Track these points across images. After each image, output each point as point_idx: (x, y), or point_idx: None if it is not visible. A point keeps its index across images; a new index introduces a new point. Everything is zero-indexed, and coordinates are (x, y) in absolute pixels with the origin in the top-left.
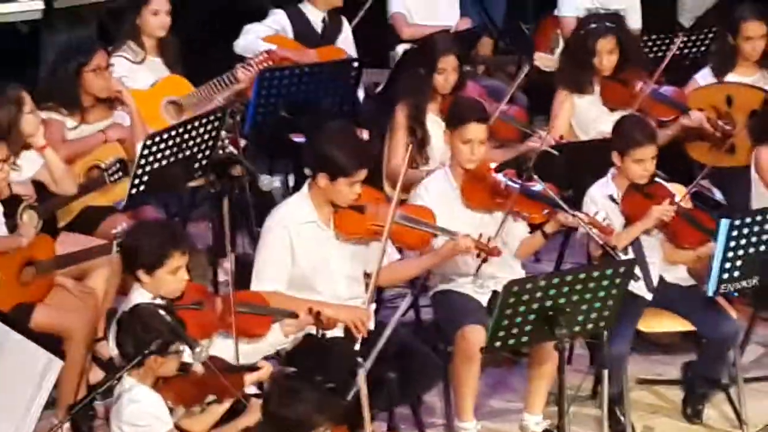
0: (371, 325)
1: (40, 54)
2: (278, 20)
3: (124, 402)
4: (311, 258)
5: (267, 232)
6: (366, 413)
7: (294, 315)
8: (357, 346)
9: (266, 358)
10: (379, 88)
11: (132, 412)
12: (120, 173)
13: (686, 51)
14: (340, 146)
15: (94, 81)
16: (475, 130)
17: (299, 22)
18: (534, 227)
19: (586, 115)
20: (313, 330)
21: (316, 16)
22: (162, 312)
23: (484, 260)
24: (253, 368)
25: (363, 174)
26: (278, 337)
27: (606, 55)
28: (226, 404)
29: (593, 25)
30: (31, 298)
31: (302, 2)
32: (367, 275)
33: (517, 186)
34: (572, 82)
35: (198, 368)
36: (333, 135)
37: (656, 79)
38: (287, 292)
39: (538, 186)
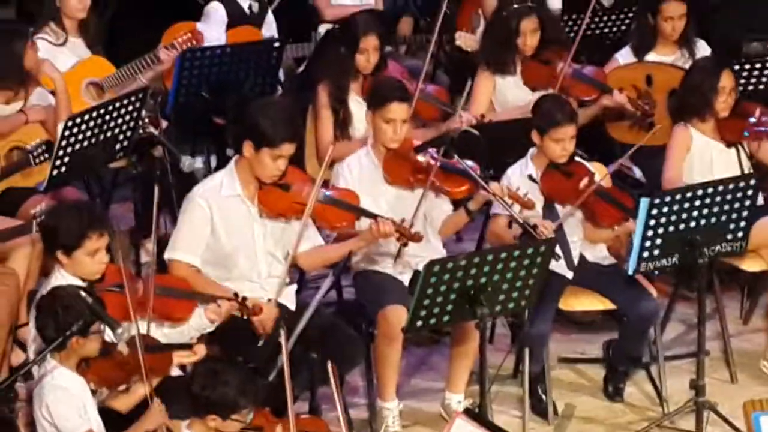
0: (292, 306)
1: None
2: (219, 17)
3: (45, 386)
4: (233, 233)
5: (188, 202)
6: (289, 392)
7: (214, 300)
8: (260, 343)
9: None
10: (301, 68)
11: (53, 400)
12: (46, 155)
13: (606, 30)
14: (269, 116)
15: (31, 57)
16: (397, 110)
17: (232, 8)
18: (457, 205)
19: (508, 96)
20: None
21: (243, 1)
22: (82, 293)
23: (405, 245)
24: (184, 347)
25: (288, 149)
26: (201, 322)
27: (529, 34)
28: (153, 382)
29: (515, 6)
30: None
31: None
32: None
33: (438, 162)
34: (495, 62)
35: (123, 348)
36: (265, 105)
37: (574, 57)
38: (203, 268)
39: (458, 164)
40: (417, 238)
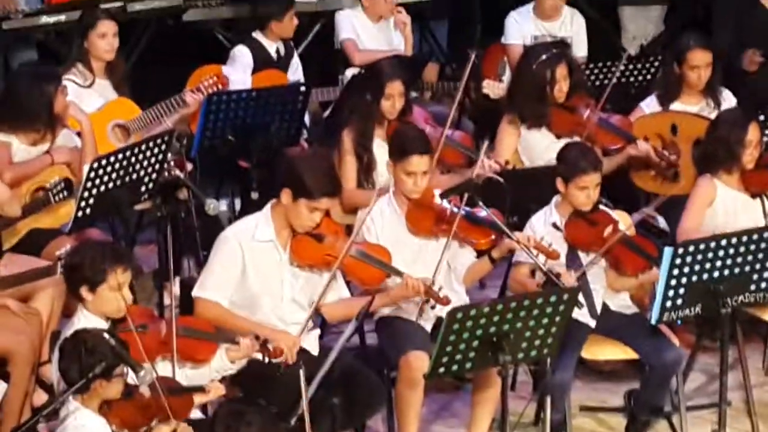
0: (315, 351)
1: None
2: (245, 60)
3: (68, 426)
4: (262, 277)
5: (221, 242)
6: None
7: (236, 342)
8: (279, 371)
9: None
10: (327, 113)
11: None
12: (65, 192)
13: (631, 79)
14: (312, 168)
15: (61, 101)
16: (418, 163)
17: (258, 52)
18: (480, 254)
19: (534, 145)
20: (258, 354)
21: (270, 45)
22: (106, 335)
23: (432, 307)
24: (202, 389)
25: (325, 203)
26: (223, 363)
27: (563, 81)
28: (173, 425)
29: (544, 56)
30: None
31: (255, 32)
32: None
33: (461, 212)
34: (530, 115)
35: (144, 390)
36: (309, 156)
37: (601, 106)
38: (230, 308)
39: (482, 212)
40: (445, 301)
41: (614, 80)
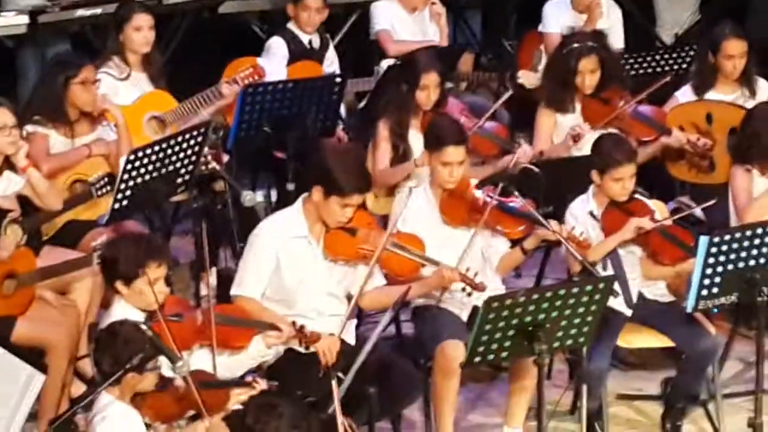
0: (351, 341)
1: (19, 68)
2: (281, 52)
3: (97, 419)
4: (296, 272)
5: (255, 239)
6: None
7: (276, 328)
8: (320, 374)
9: (248, 371)
10: (362, 104)
11: (103, 430)
12: (107, 188)
13: (667, 68)
14: (343, 165)
15: (81, 94)
16: (454, 153)
17: (294, 44)
18: (514, 243)
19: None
20: (295, 344)
21: (305, 37)
22: (143, 326)
23: (469, 294)
24: (241, 383)
25: (357, 199)
26: (260, 349)
27: (588, 74)
28: (213, 419)
29: (575, 45)
30: (13, 311)
31: (290, 23)
32: (350, 297)
33: (494, 201)
34: (554, 100)
35: (179, 383)
36: (340, 153)
37: (634, 93)
38: (265, 302)
39: (516, 201)
40: (481, 287)
41: (656, 86)
